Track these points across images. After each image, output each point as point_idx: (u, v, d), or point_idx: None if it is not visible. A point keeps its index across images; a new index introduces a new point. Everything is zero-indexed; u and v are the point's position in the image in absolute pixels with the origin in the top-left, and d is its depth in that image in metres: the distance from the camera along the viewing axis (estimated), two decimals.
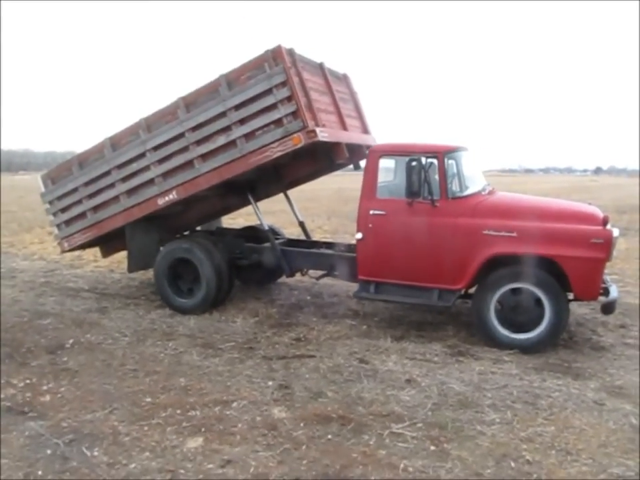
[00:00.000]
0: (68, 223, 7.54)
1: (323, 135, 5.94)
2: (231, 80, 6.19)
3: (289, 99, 5.88)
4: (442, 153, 5.74)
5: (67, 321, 6.46)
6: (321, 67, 6.92)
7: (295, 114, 5.88)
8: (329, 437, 3.81)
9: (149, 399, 4.41)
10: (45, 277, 9.06)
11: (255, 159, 6.14)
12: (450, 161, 5.92)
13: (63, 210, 7.53)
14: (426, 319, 6.56)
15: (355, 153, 6.96)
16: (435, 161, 5.70)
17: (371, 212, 5.92)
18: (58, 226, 7.65)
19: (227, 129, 6.23)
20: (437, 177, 5.74)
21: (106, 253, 8.22)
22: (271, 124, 6.02)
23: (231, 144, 6.24)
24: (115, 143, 6.96)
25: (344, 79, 7.73)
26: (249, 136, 6.15)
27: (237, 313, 6.76)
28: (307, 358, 5.29)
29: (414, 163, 5.49)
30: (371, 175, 6.01)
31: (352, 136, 6.71)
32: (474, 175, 6.35)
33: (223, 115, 6.22)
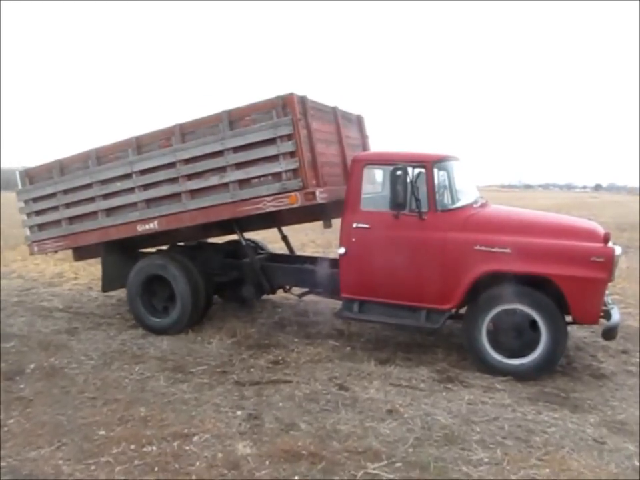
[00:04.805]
0: (41, 227, 7.22)
1: (321, 196, 5.53)
2: (234, 119, 5.76)
3: (292, 154, 5.46)
4: (430, 162, 5.36)
5: (32, 343, 6.07)
6: (333, 112, 6.51)
7: (295, 171, 5.47)
8: (296, 478, 3.40)
9: (102, 432, 4.00)
10: (19, 295, 8.65)
11: (245, 208, 5.76)
12: (439, 171, 5.55)
13: (38, 213, 7.21)
14: (415, 340, 6.14)
15: None
16: (423, 171, 5.32)
17: (355, 225, 5.54)
18: (30, 228, 7.32)
19: (221, 170, 5.83)
20: (425, 188, 5.35)
21: (78, 258, 7.83)
22: (269, 176, 5.62)
23: (224, 186, 5.85)
24: (100, 155, 6.59)
25: (356, 122, 7.34)
26: (243, 183, 5.75)
27: (214, 333, 6.34)
28: (282, 384, 4.89)
29: (399, 173, 5.10)
30: (354, 185, 5.62)
31: None
32: (465, 187, 5.97)
33: (219, 153, 5.80)
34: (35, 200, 7.18)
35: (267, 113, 5.59)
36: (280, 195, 5.56)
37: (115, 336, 6.38)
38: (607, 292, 5.12)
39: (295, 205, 5.51)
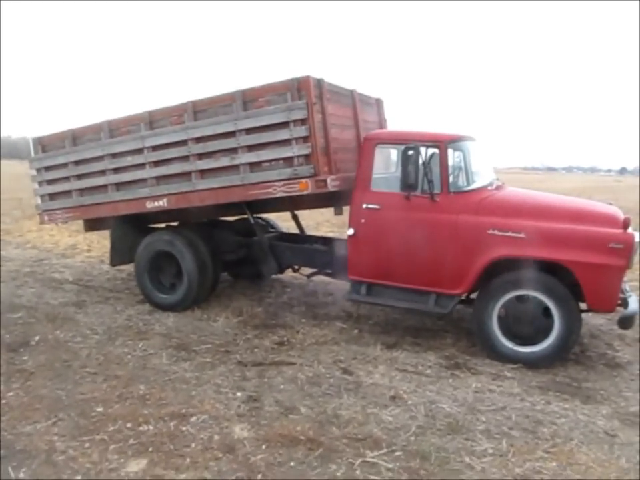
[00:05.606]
0: (52, 196, 7.19)
1: (333, 184, 5.36)
2: (248, 99, 5.59)
3: (305, 139, 5.28)
4: (444, 142, 5.16)
5: (39, 315, 6.07)
6: (351, 95, 6.30)
7: (308, 157, 5.30)
8: (292, 464, 3.30)
9: (100, 409, 3.95)
10: (32, 266, 8.69)
11: (254, 192, 5.62)
12: (454, 152, 5.35)
13: (49, 182, 7.18)
14: (424, 325, 6.00)
15: None
16: (436, 151, 5.12)
17: (364, 206, 5.38)
18: (41, 197, 7.30)
19: (232, 151, 5.68)
20: (438, 168, 5.16)
21: (89, 228, 7.82)
22: (281, 160, 5.46)
23: (234, 168, 5.71)
24: (113, 128, 6.50)
25: (375, 105, 7.12)
26: (254, 166, 5.61)
27: (221, 311, 6.27)
28: (285, 365, 4.79)
29: (411, 152, 4.91)
30: (365, 165, 5.45)
31: None
32: (481, 168, 5.75)
33: (231, 134, 5.65)
34: (47, 169, 7.15)
35: (282, 95, 5.41)
36: (291, 181, 5.41)
37: (121, 310, 6.35)
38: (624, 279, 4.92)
39: (306, 192, 5.37)
